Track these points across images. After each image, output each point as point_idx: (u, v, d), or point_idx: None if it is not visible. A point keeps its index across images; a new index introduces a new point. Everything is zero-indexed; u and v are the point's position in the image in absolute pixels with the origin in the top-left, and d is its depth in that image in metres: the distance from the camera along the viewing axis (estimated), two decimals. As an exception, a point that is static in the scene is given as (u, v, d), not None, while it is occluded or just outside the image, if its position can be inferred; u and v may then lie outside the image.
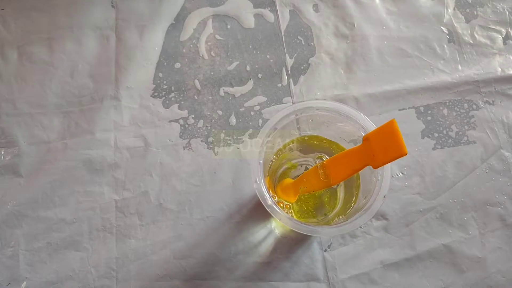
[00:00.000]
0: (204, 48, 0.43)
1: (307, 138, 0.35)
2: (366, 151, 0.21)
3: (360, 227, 0.37)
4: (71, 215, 0.38)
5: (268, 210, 0.28)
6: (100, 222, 0.37)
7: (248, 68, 0.43)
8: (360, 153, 0.22)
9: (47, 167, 0.39)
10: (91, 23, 0.44)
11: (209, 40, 0.44)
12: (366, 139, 0.21)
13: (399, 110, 0.41)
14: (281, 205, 0.33)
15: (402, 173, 0.39)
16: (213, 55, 0.43)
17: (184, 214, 0.38)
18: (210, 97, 0.42)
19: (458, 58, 0.43)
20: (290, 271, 0.36)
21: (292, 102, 0.42)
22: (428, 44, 0.44)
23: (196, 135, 0.40)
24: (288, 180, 0.32)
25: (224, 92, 0.42)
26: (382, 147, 0.20)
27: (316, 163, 0.34)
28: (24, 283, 0.36)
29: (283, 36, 0.44)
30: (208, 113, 0.41)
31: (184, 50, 0.43)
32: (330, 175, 0.25)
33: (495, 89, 0.42)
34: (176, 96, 0.42)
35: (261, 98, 0.42)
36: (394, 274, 0.36)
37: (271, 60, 0.43)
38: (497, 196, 0.39)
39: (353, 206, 0.33)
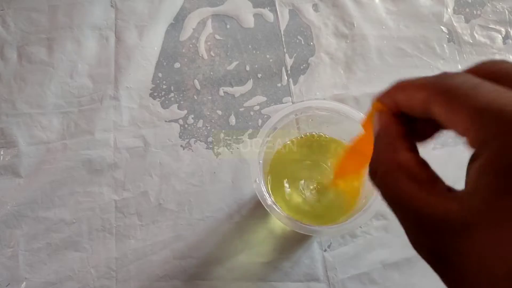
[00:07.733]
0: (203, 48, 0.43)
1: (307, 138, 0.35)
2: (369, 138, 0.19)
3: (360, 227, 0.37)
4: (71, 216, 0.38)
5: (268, 210, 0.28)
6: (99, 222, 0.37)
7: (247, 68, 0.43)
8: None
9: (46, 168, 0.39)
10: (90, 23, 0.44)
11: (208, 40, 0.44)
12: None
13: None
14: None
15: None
16: (213, 55, 0.43)
17: (184, 214, 0.38)
18: (210, 97, 0.42)
19: (458, 58, 0.43)
20: (290, 271, 0.36)
21: (291, 102, 0.42)
22: (427, 43, 0.44)
23: (196, 135, 0.40)
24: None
25: (224, 92, 0.42)
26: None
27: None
28: (24, 283, 0.36)
29: (282, 36, 0.44)
30: (208, 113, 0.41)
31: (183, 50, 0.43)
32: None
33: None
34: (176, 96, 0.42)
35: (261, 98, 0.42)
36: (394, 274, 0.36)
37: (271, 60, 0.43)
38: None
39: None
